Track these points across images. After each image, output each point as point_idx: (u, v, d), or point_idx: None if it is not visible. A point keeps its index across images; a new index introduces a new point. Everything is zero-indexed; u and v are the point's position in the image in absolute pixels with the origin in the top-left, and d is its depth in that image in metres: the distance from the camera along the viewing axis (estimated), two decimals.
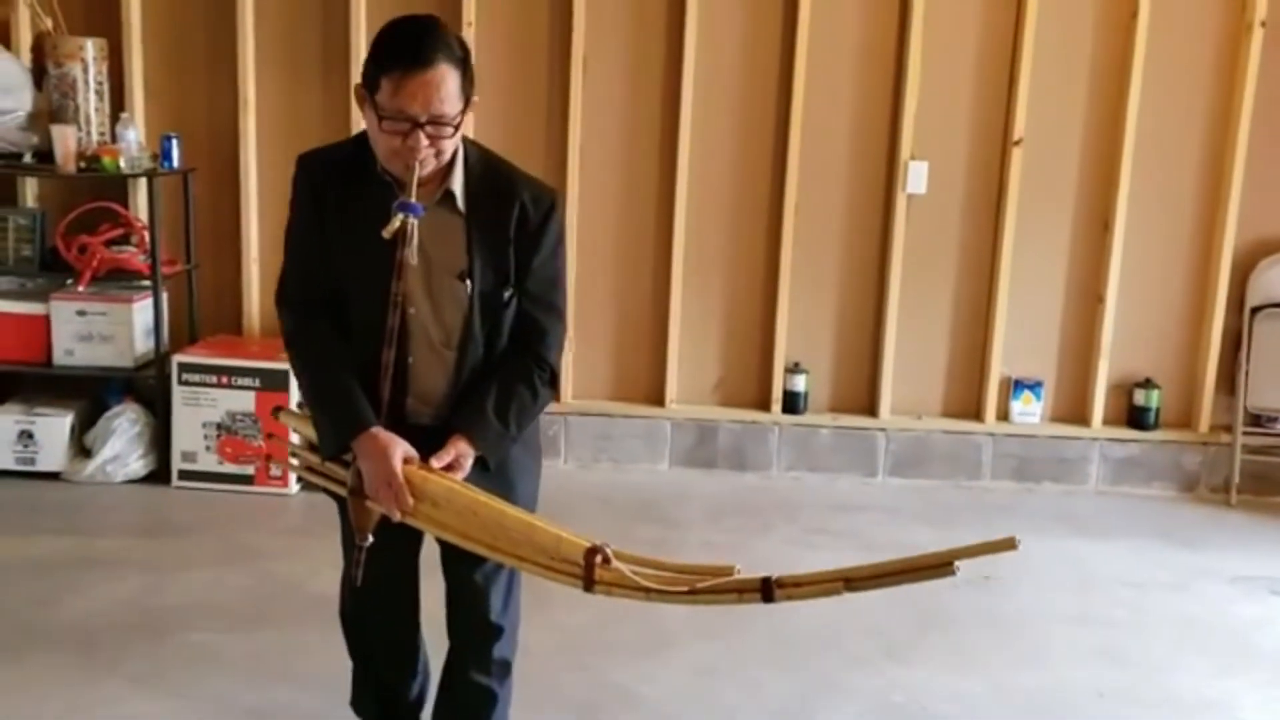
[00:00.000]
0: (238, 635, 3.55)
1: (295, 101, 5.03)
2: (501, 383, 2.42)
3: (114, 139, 4.84)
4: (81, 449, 4.88)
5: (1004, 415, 5.23)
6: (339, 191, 2.37)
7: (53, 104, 4.79)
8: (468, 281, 2.38)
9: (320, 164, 2.42)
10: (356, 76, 2.62)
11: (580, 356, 5.24)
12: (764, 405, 5.26)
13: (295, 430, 2.68)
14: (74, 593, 3.79)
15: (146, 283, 4.85)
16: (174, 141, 4.89)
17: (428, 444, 2.35)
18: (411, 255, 2.26)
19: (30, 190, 5.09)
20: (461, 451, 2.36)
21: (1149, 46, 4.89)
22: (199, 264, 5.15)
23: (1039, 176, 5.04)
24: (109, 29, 4.94)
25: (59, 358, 4.81)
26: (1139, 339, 5.17)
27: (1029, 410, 5.21)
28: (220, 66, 5.03)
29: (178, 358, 4.78)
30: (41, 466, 4.80)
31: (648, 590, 2.16)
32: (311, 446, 2.51)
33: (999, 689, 3.45)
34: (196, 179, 5.07)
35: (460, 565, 2.54)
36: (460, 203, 2.38)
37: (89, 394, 5.01)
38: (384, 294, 2.30)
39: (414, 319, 2.38)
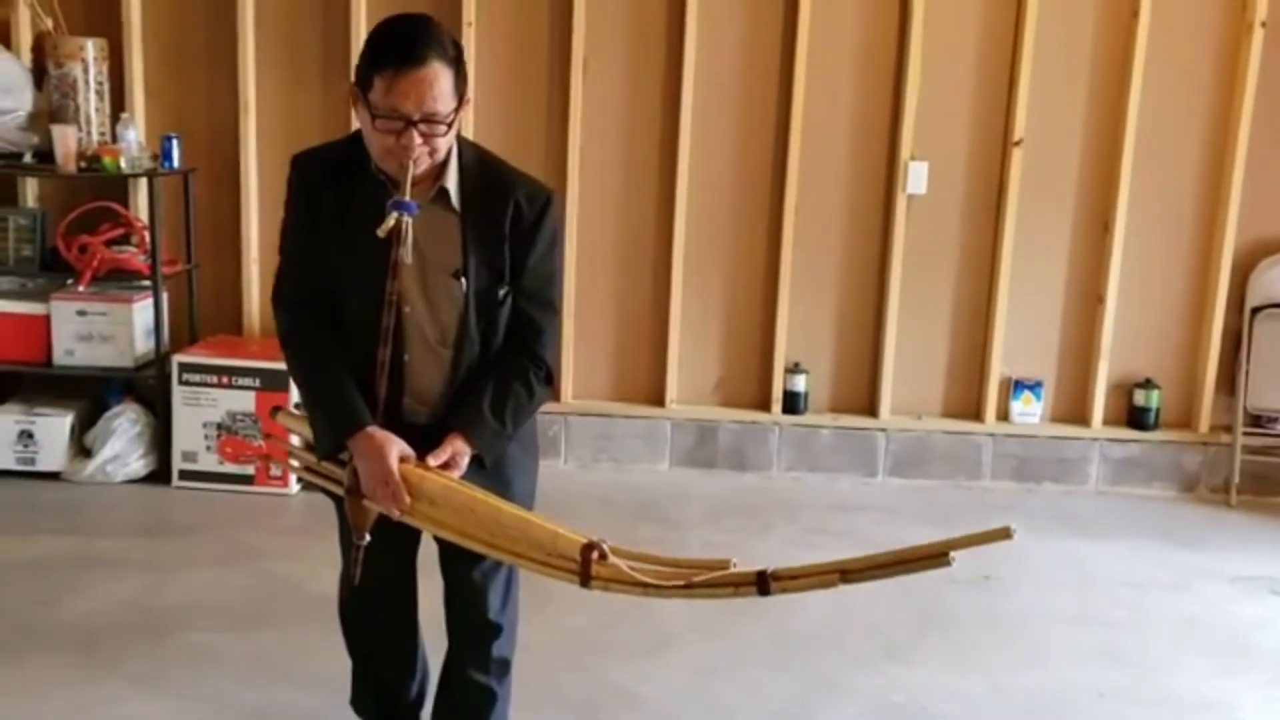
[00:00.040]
0: (238, 635, 3.55)
1: (295, 102, 5.03)
2: (497, 381, 2.42)
3: (114, 139, 4.84)
4: (82, 449, 4.88)
5: (1004, 415, 5.23)
6: (334, 191, 2.37)
7: (53, 104, 4.79)
8: (463, 280, 2.38)
9: (315, 163, 2.43)
10: None
11: (580, 357, 5.24)
12: (764, 405, 5.26)
13: (292, 430, 2.68)
14: (74, 593, 3.79)
15: (147, 283, 4.85)
16: (174, 142, 4.89)
17: (424, 442, 2.35)
18: (406, 254, 2.27)
19: (31, 190, 5.09)
20: (458, 450, 2.36)
21: (1149, 47, 4.89)
22: (199, 264, 5.15)
23: (1039, 177, 5.04)
24: (109, 29, 4.94)
25: (59, 358, 4.81)
26: (1139, 339, 5.17)
27: (1029, 410, 5.21)
28: (220, 67, 5.03)
29: (178, 358, 4.78)
30: (42, 466, 4.80)
31: (644, 585, 2.17)
32: (309, 446, 2.51)
33: (999, 689, 3.45)
34: (197, 179, 5.07)
35: (458, 563, 2.54)
36: (455, 201, 2.38)
37: (89, 394, 5.01)
38: (379, 293, 2.30)
39: (409, 318, 2.39)
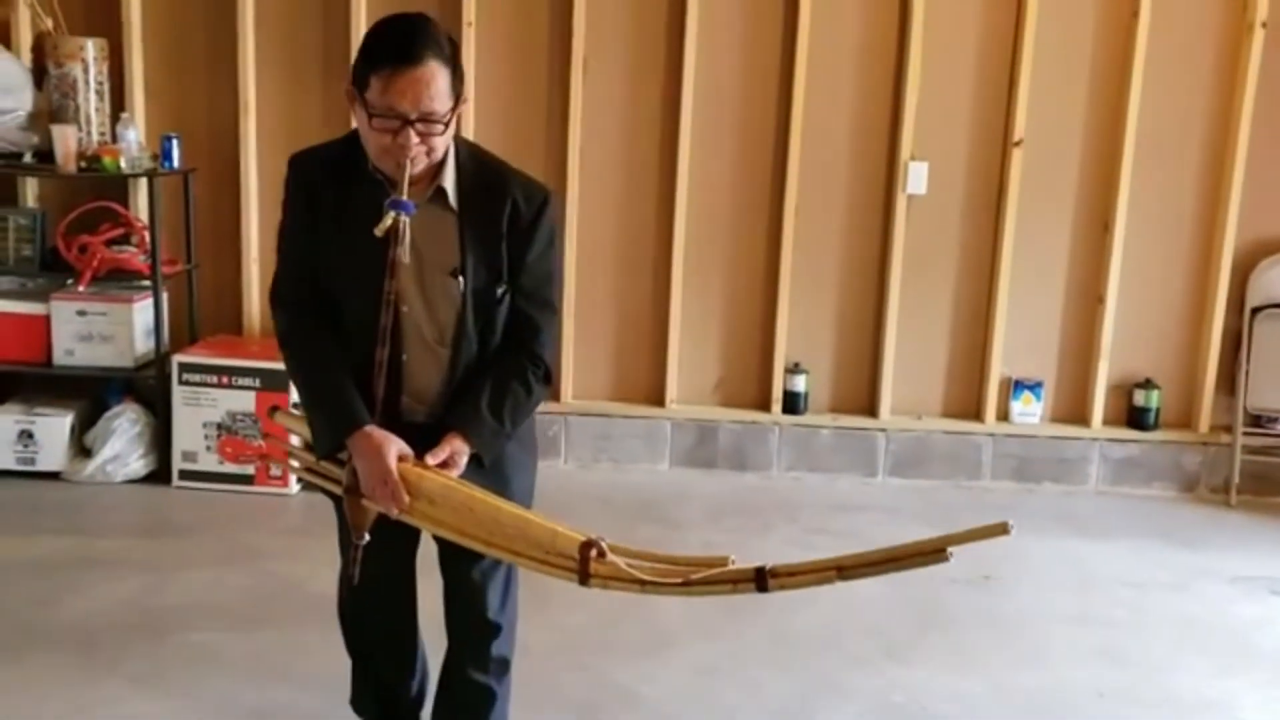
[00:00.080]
0: (238, 635, 3.55)
1: (295, 102, 5.03)
2: (496, 379, 2.42)
3: (114, 139, 4.84)
4: (82, 449, 4.88)
5: (1004, 415, 5.23)
6: (331, 191, 2.38)
7: (53, 104, 4.79)
8: (460, 279, 2.38)
9: (312, 163, 2.43)
10: None
11: (580, 356, 5.24)
12: (764, 405, 5.26)
13: (291, 430, 2.68)
14: (74, 593, 3.79)
15: (147, 283, 4.85)
16: (174, 142, 4.89)
17: (423, 441, 2.36)
18: (404, 253, 2.27)
19: (31, 190, 5.09)
20: (456, 449, 2.36)
21: (1149, 47, 4.89)
22: (199, 264, 5.15)
23: (1039, 177, 5.03)
24: (109, 29, 4.94)
25: (59, 358, 4.81)
26: (1139, 339, 5.17)
27: (1029, 410, 5.21)
28: (220, 67, 5.03)
29: (178, 358, 4.78)
30: (42, 466, 4.80)
31: (643, 582, 2.17)
32: (308, 446, 2.51)
33: (999, 689, 3.45)
34: (197, 179, 5.07)
35: (458, 563, 2.55)
36: (452, 200, 2.38)
37: (89, 394, 5.01)
38: (377, 292, 2.30)
39: (407, 317, 2.39)
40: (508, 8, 5.00)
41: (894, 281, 5.10)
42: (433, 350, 2.43)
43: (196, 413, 4.75)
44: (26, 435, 4.79)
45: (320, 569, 3.51)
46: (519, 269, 2.42)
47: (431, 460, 2.33)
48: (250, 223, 5.09)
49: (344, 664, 2.84)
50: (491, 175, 2.43)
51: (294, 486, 4.73)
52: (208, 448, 4.76)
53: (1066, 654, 3.69)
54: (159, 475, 4.84)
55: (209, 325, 5.19)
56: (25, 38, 4.96)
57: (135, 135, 4.83)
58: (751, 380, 5.28)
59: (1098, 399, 5.17)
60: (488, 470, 2.42)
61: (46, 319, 4.80)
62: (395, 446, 2.32)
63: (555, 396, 5.20)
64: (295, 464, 2.70)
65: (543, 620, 3.54)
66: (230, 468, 4.74)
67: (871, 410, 5.26)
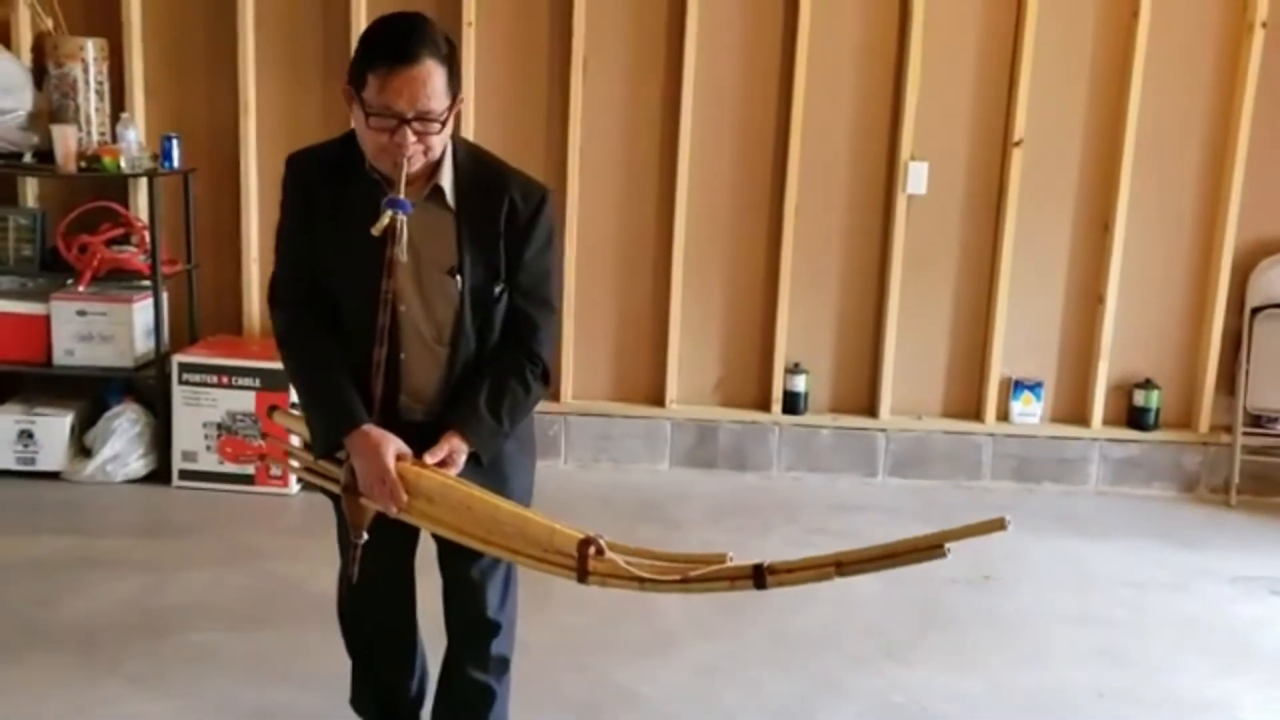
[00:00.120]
0: (238, 635, 3.55)
1: (295, 102, 5.03)
2: (494, 378, 2.42)
3: (114, 139, 4.84)
4: (82, 449, 4.88)
5: (1004, 416, 5.23)
6: (328, 190, 2.38)
7: (53, 104, 4.79)
8: (458, 277, 2.38)
9: (309, 163, 2.43)
10: None
11: (581, 357, 5.24)
12: (764, 405, 5.26)
13: (289, 430, 2.68)
14: (74, 592, 3.79)
15: (147, 283, 4.85)
16: (174, 142, 4.89)
17: (421, 440, 2.36)
18: (401, 252, 2.27)
19: (31, 190, 5.09)
20: (455, 447, 2.36)
21: (1149, 47, 4.89)
22: (199, 264, 5.15)
23: (1039, 177, 5.03)
24: (109, 29, 4.94)
25: (59, 357, 4.81)
26: (1139, 339, 5.17)
27: (1029, 411, 5.21)
28: (220, 67, 5.04)
29: (178, 358, 4.78)
30: (42, 466, 4.80)
31: (641, 580, 2.17)
32: (307, 446, 2.51)
33: (999, 689, 3.45)
34: (197, 179, 5.07)
35: (456, 561, 2.55)
36: (450, 199, 2.38)
37: (89, 394, 5.01)
38: (375, 291, 2.31)
39: (405, 316, 2.39)
40: (507, 8, 5.00)
41: (894, 281, 5.10)
42: (431, 349, 2.43)
43: (196, 413, 4.75)
44: (26, 435, 4.79)
45: (320, 569, 3.51)
46: (517, 268, 2.42)
47: (430, 459, 2.33)
48: (250, 223, 5.10)
49: (344, 664, 2.84)
50: (489, 174, 2.43)
51: (294, 486, 4.73)
52: (208, 448, 4.76)
53: (1066, 654, 3.69)
54: (159, 475, 4.84)
55: (209, 325, 5.19)
56: (25, 38, 4.96)
57: (135, 135, 4.83)
58: (751, 380, 5.28)
59: (1098, 399, 5.17)
60: (486, 469, 2.42)
61: (46, 319, 4.80)
62: (393, 445, 2.32)
63: (555, 396, 5.20)
64: (295, 464, 2.70)
65: (542, 620, 3.54)
66: (230, 468, 4.74)
67: (871, 410, 5.26)
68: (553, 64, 5.04)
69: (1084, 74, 4.99)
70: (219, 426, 4.74)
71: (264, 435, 4.58)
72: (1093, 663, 3.64)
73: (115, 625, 3.58)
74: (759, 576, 2.11)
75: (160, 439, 4.85)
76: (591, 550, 2.18)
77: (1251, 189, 4.99)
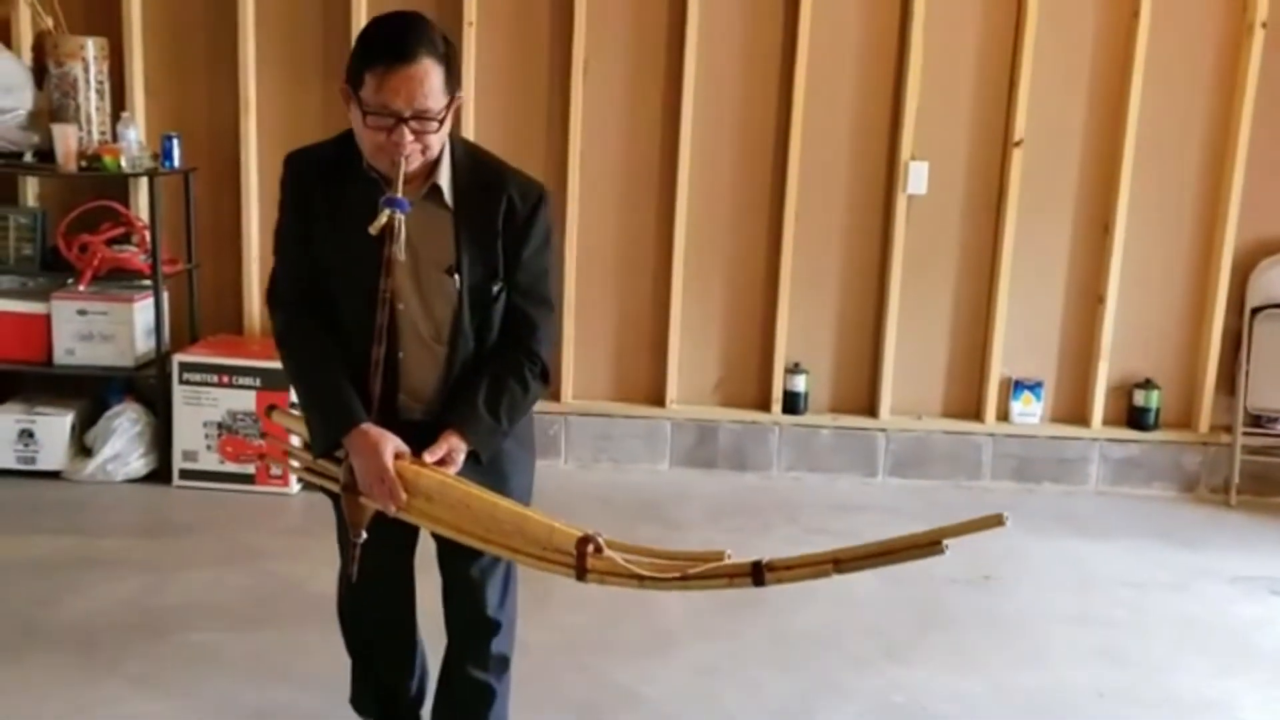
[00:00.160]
0: (238, 635, 3.55)
1: (296, 101, 5.03)
2: (492, 377, 2.43)
3: (115, 138, 4.84)
4: (82, 448, 4.88)
5: (1004, 416, 5.23)
6: (326, 189, 2.38)
7: (53, 103, 4.79)
8: (456, 276, 2.38)
9: (307, 163, 2.43)
10: None
11: (581, 357, 5.24)
12: (764, 405, 5.26)
13: (288, 429, 2.69)
14: (74, 592, 3.79)
15: (147, 282, 4.85)
16: (175, 141, 4.89)
17: (420, 439, 2.36)
18: (399, 251, 2.27)
19: (31, 189, 5.09)
20: (454, 446, 2.36)
21: (1149, 48, 4.89)
22: (200, 263, 5.15)
23: (1039, 177, 5.03)
24: (110, 28, 4.94)
25: (60, 357, 4.81)
26: (1139, 339, 5.17)
27: (1029, 411, 5.21)
28: (221, 66, 5.04)
29: (178, 357, 4.78)
30: (42, 466, 4.80)
31: (640, 577, 2.18)
32: (307, 445, 2.52)
33: (999, 689, 3.45)
34: (197, 178, 5.08)
35: (456, 560, 2.55)
36: (447, 197, 2.38)
37: (90, 393, 5.01)
38: (373, 290, 2.31)
39: (403, 315, 2.39)
40: (508, 8, 5.00)
41: (894, 282, 5.10)
42: (429, 348, 2.43)
43: (197, 412, 4.75)
44: (27, 434, 4.79)
45: (321, 569, 3.51)
46: (515, 266, 2.42)
47: (429, 458, 2.34)
48: (251, 222, 5.10)
49: (344, 663, 2.84)
50: (487, 173, 2.44)
51: (294, 486, 4.73)
52: (208, 447, 4.76)
53: (1066, 654, 3.69)
54: (159, 475, 4.84)
55: (209, 324, 5.19)
56: (26, 37, 4.96)
57: (136, 134, 4.83)
58: (751, 380, 5.28)
59: (1098, 399, 5.17)
60: (485, 468, 2.42)
61: (47, 318, 4.80)
62: (392, 444, 2.32)
63: (556, 397, 5.20)
64: (294, 463, 2.70)
65: (542, 619, 3.55)
66: (231, 467, 4.75)
67: (871, 410, 5.27)
68: (553, 64, 5.04)
69: (1084, 74, 4.99)
70: (219, 426, 4.74)
71: (263, 435, 4.58)
72: (1093, 663, 3.64)
73: (115, 625, 3.58)
74: (757, 574, 2.12)
75: (161, 438, 4.85)
76: (590, 548, 2.19)
77: (1251, 189, 4.99)
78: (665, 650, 3.58)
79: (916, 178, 5.02)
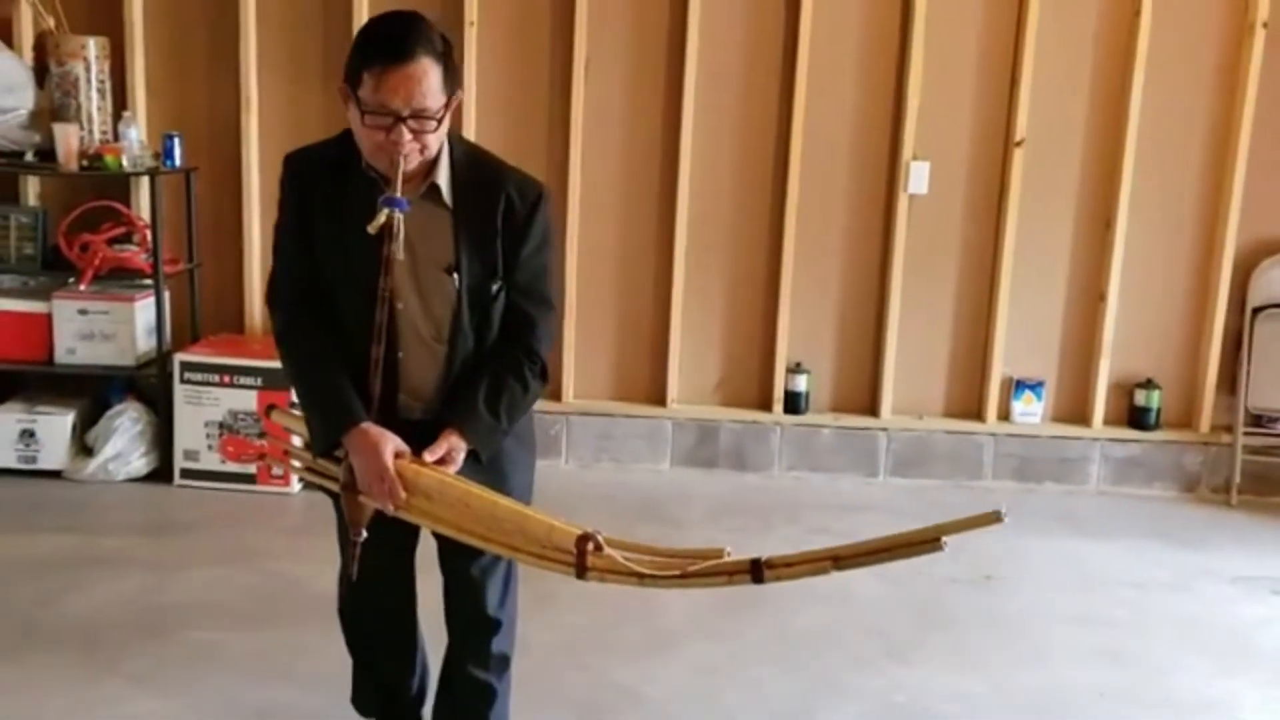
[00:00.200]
0: (239, 634, 3.55)
1: (297, 100, 5.04)
2: (492, 376, 2.43)
3: (116, 137, 4.84)
4: (83, 447, 4.88)
5: (1005, 415, 5.23)
6: (326, 189, 2.38)
7: (55, 102, 4.80)
8: (455, 275, 2.38)
9: (306, 162, 2.44)
10: None
11: (582, 356, 5.24)
12: (765, 405, 5.26)
13: (288, 429, 2.69)
14: (75, 591, 3.79)
15: (148, 281, 4.85)
16: (176, 140, 4.89)
17: (420, 438, 2.36)
18: (398, 250, 2.27)
19: (32, 189, 5.09)
20: (453, 445, 2.36)
21: (1151, 47, 4.89)
22: (201, 263, 5.16)
23: (1040, 177, 5.03)
24: (111, 28, 4.94)
25: (61, 356, 4.82)
26: (1140, 339, 5.17)
27: (1030, 410, 5.21)
28: (222, 65, 5.04)
29: (179, 356, 4.78)
30: (43, 465, 4.80)
31: (640, 575, 2.18)
32: (307, 445, 2.52)
33: (1000, 689, 3.45)
34: (198, 178, 5.08)
35: (457, 559, 2.55)
36: (446, 196, 2.38)
37: (91, 392, 5.01)
38: (373, 290, 2.31)
39: (403, 314, 2.39)
40: (510, 8, 5.00)
41: (895, 281, 5.10)
42: (429, 347, 2.44)
43: (198, 411, 4.75)
44: (28, 434, 4.79)
45: (322, 568, 3.51)
46: (514, 265, 2.42)
47: (429, 457, 2.34)
48: (252, 221, 5.10)
49: (345, 663, 2.84)
50: (486, 172, 2.44)
51: (295, 486, 4.73)
52: (209, 447, 4.76)
53: (1067, 654, 3.69)
54: (160, 474, 4.84)
55: (211, 324, 5.19)
56: (27, 36, 4.96)
57: (137, 134, 4.83)
58: (753, 380, 5.28)
59: (1099, 399, 5.17)
60: (486, 467, 2.42)
61: (48, 317, 4.80)
62: (391, 443, 2.32)
63: (557, 396, 5.20)
64: (295, 463, 2.70)
65: (544, 619, 3.55)
66: (232, 467, 4.75)
67: (873, 410, 5.27)
68: (555, 64, 5.03)
69: (1085, 73, 4.99)
70: (220, 425, 4.74)
71: (263, 435, 4.58)
72: (1093, 663, 3.64)
73: (116, 624, 3.58)
74: (757, 571, 2.12)
75: (162, 438, 4.85)
76: (590, 546, 2.19)
77: (1252, 189, 4.99)
78: (666, 650, 3.58)
79: (918, 177, 5.02)
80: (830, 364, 5.27)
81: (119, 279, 4.86)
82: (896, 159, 5.04)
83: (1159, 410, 5.17)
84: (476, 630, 2.65)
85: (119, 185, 5.01)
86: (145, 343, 4.86)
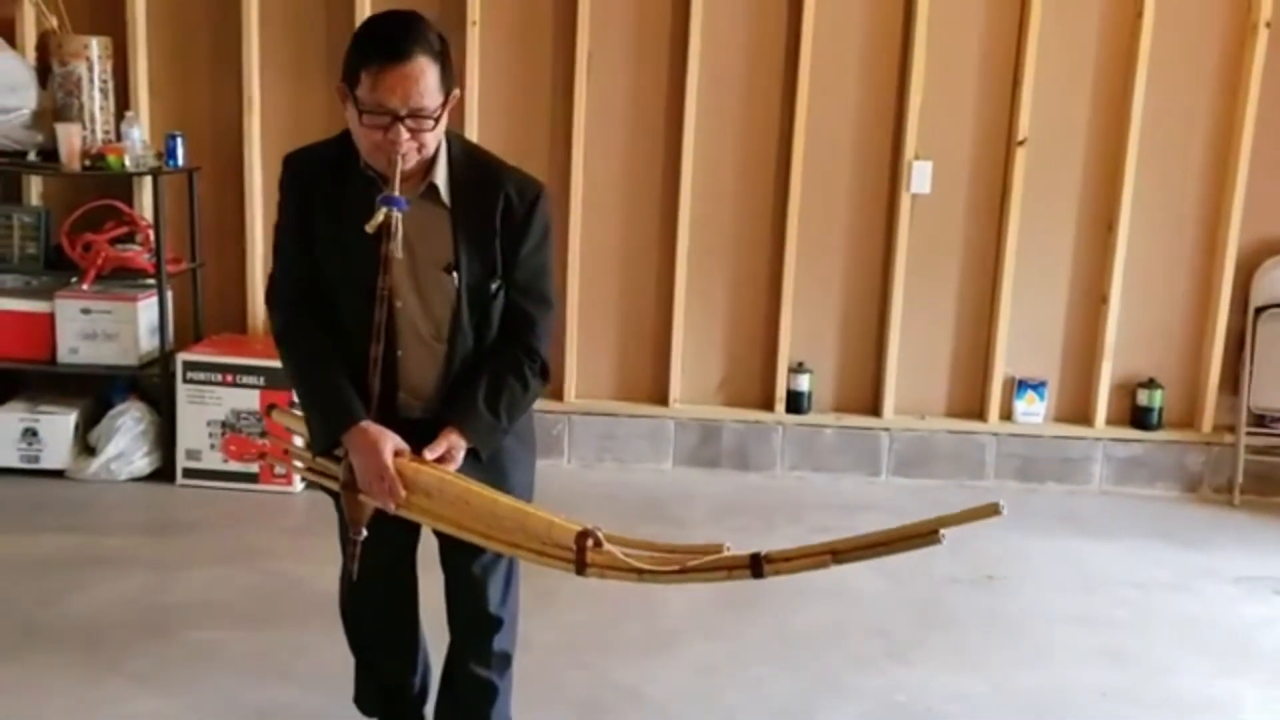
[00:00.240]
0: (241, 633, 3.56)
1: (299, 100, 5.04)
2: (492, 374, 2.43)
3: (119, 137, 4.84)
4: (86, 447, 4.88)
5: (1007, 415, 5.23)
6: (325, 189, 2.39)
7: (58, 102, 4.80)
8: (454, 274, 2.39)
9: (306, 163, 2.44)
10: None
11: (584, 356, 5.24)
12: (768, 405, 5.26)
13: (288, 428, 2.69)
14: (78, 591, 3.79)
15: (151, 281, 4.85)
16: (178, 140, 4.90)
17: (420, 437, 2.37)
18: (396, 249, 2.28)
19: (35, 188, 5.10)
20: (453, 443, 2.37)
21: (1153, 46, 4.89)
22: (203, 262, 5.16)
23: (1043, 176, 5.03)
24: (114, 27, 4.95)
25: (63, 356, 4.82)
26: (1142, 339, 5.17)
27: (1032, 410, 5.21)
28: (225, 65, 5.04)
29: (182, 356, 4.79)
30: (46, 464, 4.81)
31: (639, 571, 2.18)
32: (309, 444, 2.52)
33: (1001, 689, 3.45)
34: (201, 177, 5.08)
35: (458, 557, 2.56)
36: (445, 195, 2.39)
37: (93, 392, 5.02)
38: (372, 289, 2.32)
39: (402, 313, 2.40)
40: (512, 7, 5.00)
41: (898, 281, 5.10)
42: (428, 346, 2.44)
43: (201, 411, 4.75)
44: (31, 433, 4.80)
45: (324, 568, 3.51)
46: (513, 264, 2.43)
47: (429, 455, 2.35)
48: (255, 220, 5.10)
49: (347, 662, 2.84)
50: (484, 171, 2.44)
51: (298, 485, 4.73)
52: (212, 446, 4.76)
53: (1069, 654, 3.69)
54: (163, 473, 4.85)
55: (213, 323, 5.20)
56: (30, 36, 4.97)
57: (139, 133, 4.83)
58: (755, 380, 5.28)
59: (1101, 399, 5.17)
60: (486, 465, 2.43)
61: (51, 317, 4.81)
62: (391, 441, 2.33)
63: (559, 396, 5.20)
64: (296, 463, 2.71)
65: (545, 618, 3.55)
66: (234, 466, 4.75)
67: (875, 410, 5.26)
68: (557, 63, 5.04)
69: (1088, 73, 4.99)
70: (223, 425, 4.75)
71: (263, 435, 4.59)
72: (1095, 663, 3.64)
73: (118, 623, 3.58)
74: (756, 566, 2.12)
75: (164, 437, 4.85)
76: (590, 542, 2.19)
77: (1255, 189, 4.99)
78: (667, 649, 3.59)
79: (920, 177, 5.02)
80: (832, 364, 5.27)
81: (121, 279, 4.86)
82: (899, 158, 5.04)
83: (1161, 410, 5.16)
84: (478, 628, 2.66)
85: (122, 185, 5.02)
86: (148, 342, 4.87)
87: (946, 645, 3.71)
